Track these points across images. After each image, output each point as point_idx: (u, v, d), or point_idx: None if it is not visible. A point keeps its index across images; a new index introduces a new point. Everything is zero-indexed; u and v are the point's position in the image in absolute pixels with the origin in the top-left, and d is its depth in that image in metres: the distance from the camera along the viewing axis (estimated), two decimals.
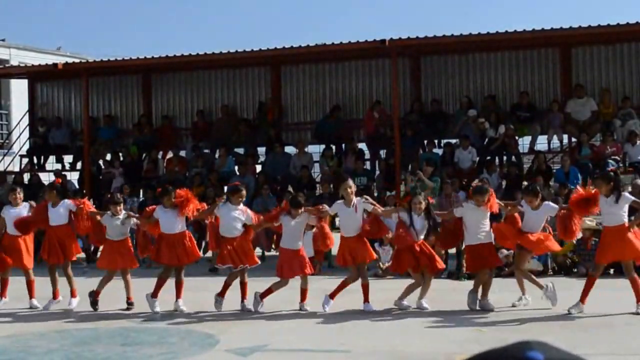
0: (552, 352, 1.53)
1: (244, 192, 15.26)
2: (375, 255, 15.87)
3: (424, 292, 14.57)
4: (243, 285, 15.04)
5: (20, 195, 16.18)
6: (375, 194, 22.89)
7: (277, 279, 14.86)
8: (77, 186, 27.25)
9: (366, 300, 14.64)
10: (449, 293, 15.66)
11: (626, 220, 13.84)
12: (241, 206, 15.04)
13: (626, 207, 13.81)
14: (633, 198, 14.07)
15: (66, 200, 15.79)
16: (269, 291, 14.86)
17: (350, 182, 15.23)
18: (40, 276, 16.04)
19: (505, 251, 18.56)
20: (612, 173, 14.70)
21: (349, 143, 25.54)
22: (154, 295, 15.02)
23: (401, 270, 15.40)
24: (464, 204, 14.91)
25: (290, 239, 14.77)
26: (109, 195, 16.74)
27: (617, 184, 13.89)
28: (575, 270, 18.60)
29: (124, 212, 15.63)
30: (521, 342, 1.55)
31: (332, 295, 14.77)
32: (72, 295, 15.72)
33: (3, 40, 43.02)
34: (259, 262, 15.61)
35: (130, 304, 15.30)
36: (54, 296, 15.79)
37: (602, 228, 14.57)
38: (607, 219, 14.02)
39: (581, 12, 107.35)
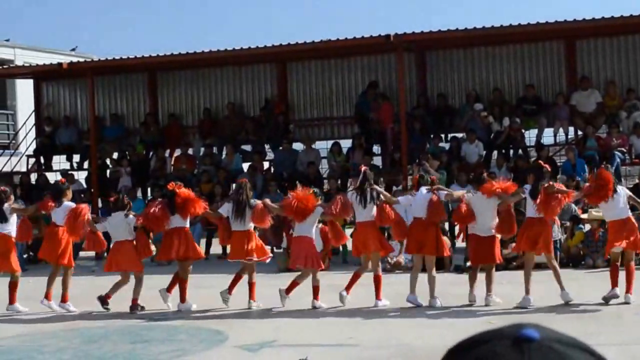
0: (548, 331, 1.55)
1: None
2: (391, 249, 15.82)
3: (431, 288, 14.46)
4: (251, 285, 15.02)
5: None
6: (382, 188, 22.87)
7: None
8: (84, 185, 27.31)
9: (377, 296, 14.66)
10: (456, 286, 15.64)
11: (628, 213, 14.07)
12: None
13: (622, 200, 14.01)
14: (629, 193, 14.28)
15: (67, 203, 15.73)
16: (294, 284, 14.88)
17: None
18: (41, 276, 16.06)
19: (514, 244, 18.58)
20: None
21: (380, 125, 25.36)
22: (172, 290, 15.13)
23: (410, 251, 15.39)
24: (472, 193, 14.91)
25: (302, 227, 14.83)
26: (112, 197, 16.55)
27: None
28: (583, 262, 18.60)
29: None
30: (516, 323, 1.57)
31: (347, 288, 14.77)
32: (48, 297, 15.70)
33: (7, 40, 42.99)
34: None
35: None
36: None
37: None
38: (606, 213, 14.31)
39: (585, 5, 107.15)
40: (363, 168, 15.25)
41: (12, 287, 15.62)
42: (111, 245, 15.85)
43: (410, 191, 15.34)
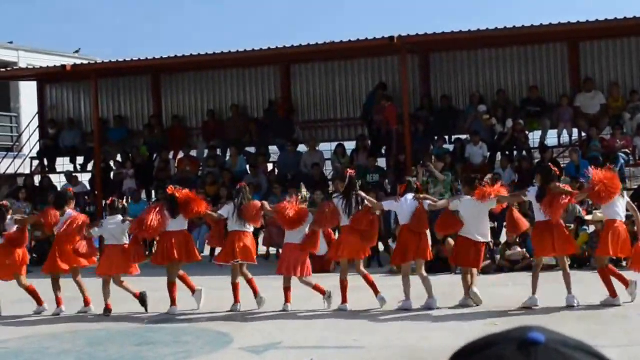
0: (554, 334, 1.56)
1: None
2: (363, 255, 15.70)
3: (427, 290, 14.45)
4: (234, 286, 15.16)
5: None
6: (388, 190, 22.86)
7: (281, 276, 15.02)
8: (88, 188, 27.32)
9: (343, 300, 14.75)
10: (460, 288, 15.62)
11: (621, 217, 14.17)
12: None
13: (622, 205, 14.15)
14: (629, 201, 14.45)
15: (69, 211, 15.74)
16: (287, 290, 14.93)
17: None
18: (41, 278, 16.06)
19: (518, 248, 18.59)
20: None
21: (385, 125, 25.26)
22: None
23: (400, 261, 15.34)
24: (462, 197, 14.82)
25: (292, 234, 14.91)
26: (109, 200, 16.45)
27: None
28: (588, 264, 18.59)
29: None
30: (522, 327, 1.59)
31: (343, 300, 14.77)
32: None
33: (11, 42, 42.90)
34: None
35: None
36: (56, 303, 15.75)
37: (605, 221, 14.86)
38: (605, 211, 14.42)
39: (588, 7, 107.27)
40: (348, 173, 15.24)
41: (31, 292, 15.70)
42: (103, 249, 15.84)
43: (396, 196, 15.32)
